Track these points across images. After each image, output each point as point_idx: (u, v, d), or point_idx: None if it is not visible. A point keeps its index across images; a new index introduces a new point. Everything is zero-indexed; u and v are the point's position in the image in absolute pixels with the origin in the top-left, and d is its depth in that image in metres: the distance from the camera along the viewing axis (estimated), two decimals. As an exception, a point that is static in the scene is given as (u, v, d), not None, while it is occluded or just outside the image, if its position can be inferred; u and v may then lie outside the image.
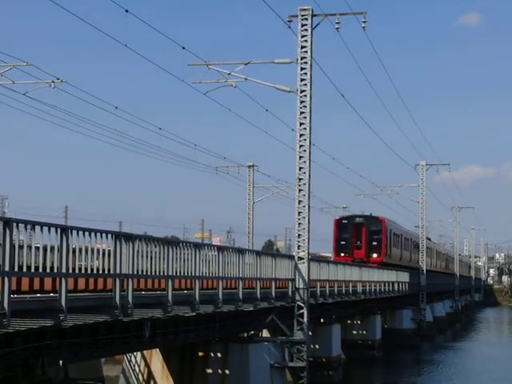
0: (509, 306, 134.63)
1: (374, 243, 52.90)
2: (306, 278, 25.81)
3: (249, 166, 53.76)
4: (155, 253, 16.51)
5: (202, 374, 22.57)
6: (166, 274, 16.87)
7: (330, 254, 65.03)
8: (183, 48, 24.91)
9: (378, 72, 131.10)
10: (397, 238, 58.14)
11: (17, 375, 13.38)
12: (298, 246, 26.02)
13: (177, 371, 23.02)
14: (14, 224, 11.99)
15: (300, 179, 26.27)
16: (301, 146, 26.21)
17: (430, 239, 75.84)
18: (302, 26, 25.97)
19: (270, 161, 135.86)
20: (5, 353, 12.88)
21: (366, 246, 52.73)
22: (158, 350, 22.92)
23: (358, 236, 53.02)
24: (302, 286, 25.73)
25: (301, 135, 26.16)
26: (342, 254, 51.93)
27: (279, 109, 31.18)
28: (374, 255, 52.46)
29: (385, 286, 45.71)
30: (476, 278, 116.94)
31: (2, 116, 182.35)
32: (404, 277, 53.06)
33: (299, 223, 26.11)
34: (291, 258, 26.10)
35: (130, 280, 15.22)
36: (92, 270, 14.30)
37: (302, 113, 26.14)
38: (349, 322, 43.29)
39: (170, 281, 16.93)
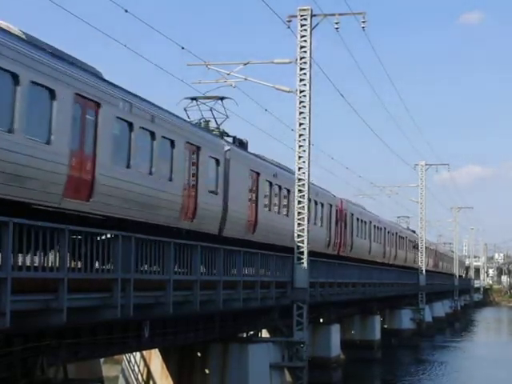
0: (508, 306, 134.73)
1: None
2: (306, 277, 25.78)
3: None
4: (155, 252, 16.47)
5: (202, 374, 22.56)
6: (166, 274, 16.85)
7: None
8: (183, 48, 24.85)
9: (378, 71, 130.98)
10: None
11: (16, 375, 13.36)
12: (298, 247, 25.99)
13: (176, 371, 23.00)
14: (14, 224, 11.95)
15: (299, 179, 26.26)
16: (300, 146, 26.19)
17: (364, 209, 48.73)
18: (302, 26, 25.95)
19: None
20: (4, 353, 12.86)
21: None
22: (157, 350, 22.90)
23: None
24: (301, 285, 25.71)
25: (300, 135, 26.15)
26: None
27: (278, 109, 31.18)
28: None
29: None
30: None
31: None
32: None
33: (298, 223, 26.10)
34: (290, 257, 26.07)
35: (129, 280, 15.20)
36: (92, 269, 14.27)
37: (301, 113, 26.13)
38: (348, 322, 43.26)
39: (169, 281, 16.91)
